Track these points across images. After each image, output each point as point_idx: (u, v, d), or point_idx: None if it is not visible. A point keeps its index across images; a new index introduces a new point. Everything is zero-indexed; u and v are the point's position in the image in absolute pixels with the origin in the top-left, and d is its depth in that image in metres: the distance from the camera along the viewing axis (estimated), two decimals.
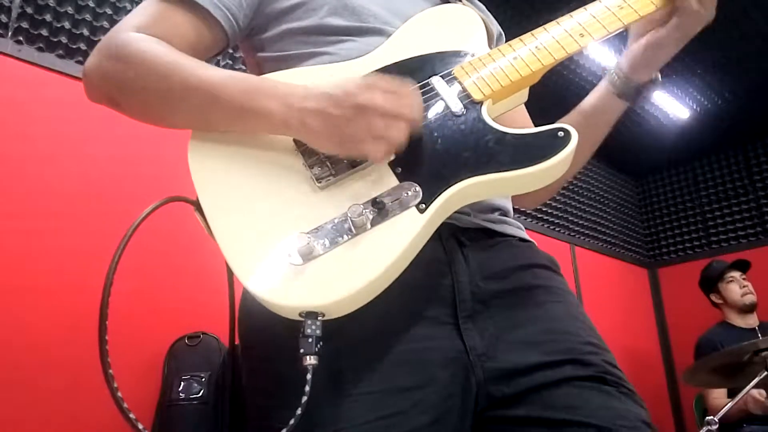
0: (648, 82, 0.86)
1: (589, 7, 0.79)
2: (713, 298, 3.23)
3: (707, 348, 2.90)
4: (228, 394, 1.82)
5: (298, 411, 0.57)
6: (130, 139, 2.02)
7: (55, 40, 2.00)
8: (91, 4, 2.09)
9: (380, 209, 0.63)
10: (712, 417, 1.87)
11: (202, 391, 1.83)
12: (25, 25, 1.93)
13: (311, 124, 0.64)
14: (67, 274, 1.77)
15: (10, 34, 1.90)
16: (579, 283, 3.85)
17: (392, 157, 0.68)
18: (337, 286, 0.60)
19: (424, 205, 0.64)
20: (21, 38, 1.92)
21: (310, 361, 0.58)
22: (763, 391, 2.45)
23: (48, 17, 1.98)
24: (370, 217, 0.63)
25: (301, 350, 0.58)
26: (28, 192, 1.81)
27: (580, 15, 0.78)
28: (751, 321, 3.11)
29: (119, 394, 0.55)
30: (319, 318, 0.59)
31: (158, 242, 1.98)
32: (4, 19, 1.90)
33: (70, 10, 2.04)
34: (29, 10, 1.94)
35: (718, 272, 3.19)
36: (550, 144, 0.67)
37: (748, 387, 2.01)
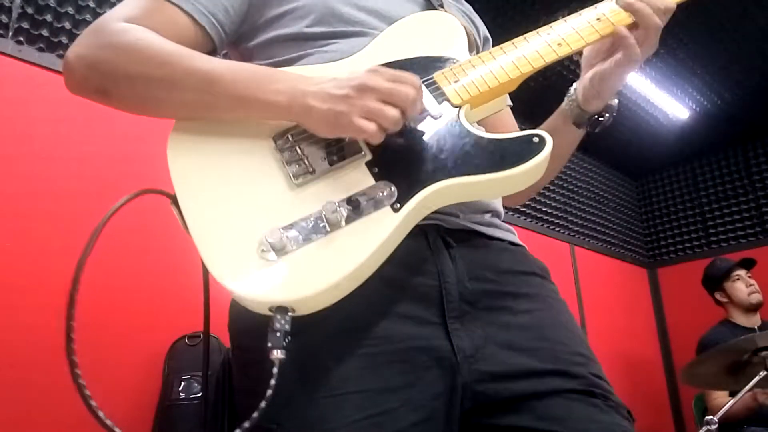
0: (601, 111, 0.87)
1: (569, 18, 0.81)
2: (718, 296, 3.19)
3: (710, 346, 2.88)
4: (228, 395, 1.82)
5: (262, 404, 0.57)
6: (130, 138, 2.03)
7: (56, 40, 2.00)
8: (92, 5, 2.10)
9: (355, 207, 0.64)
10: (711, 417, 1.87)
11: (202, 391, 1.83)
12: (25, 25, 1.93)
13: (312, 103, 0.66)
14: (66, 273, 1.77)
15: (10, 34, 1.91)
16: (578, 283, 3.85)
17: (368, 158, 0.69)
18: (307, 282, 0.61)
19: (398, 205, 0.66)
20: (22, 38, 1.93)
21: (278, 355, 0.59)
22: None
23: (49, 17, 1.99)
24: (345, 215, 0.64)
25: (269, 344, 0.59)
26: (27, 192, 1.81)
27: (559, 26, 0.80)
28: (755, 320, 3.09)
29: (87, 392, 0.55)
30: (288, 313, 0.60)
31: (158, 242, 1.98)
32: (4, 19, 1.90)
33: (70, 10, 2.04)
34: (30, 11, 1.95)
35: (724, 270, 3.15)
36: (526, 149, 0.69)
37: (747, 387, 2.01)
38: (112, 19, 0.74)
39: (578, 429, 0.68)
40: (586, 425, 0.68)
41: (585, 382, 0.72)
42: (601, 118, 0.87)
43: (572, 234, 4.06)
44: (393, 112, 0.65)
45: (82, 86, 0.74)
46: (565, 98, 0.89)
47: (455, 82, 0.76)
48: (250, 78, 0.69)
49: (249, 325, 0.68)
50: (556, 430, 0.67)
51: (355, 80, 0.65)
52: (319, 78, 0.68)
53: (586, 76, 0.85)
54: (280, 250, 0.62)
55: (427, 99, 0.74)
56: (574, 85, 0.88)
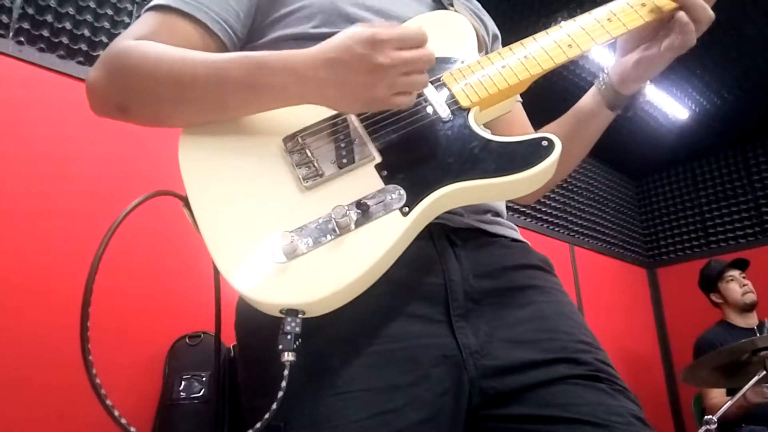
0: (635, 93, 0.88)
1: (579, 18, 0.80)
2: (713, 297, 3.21)
3: (707, 347, 2.89)
4: (229, 394, 1.82)
5: (274, 405, 0.58)
6: (131, 138, 2.03)
7: (56, 40, 2.00)
8: (92, 5, 2.10)
9: (364, 211, 0.65)
10: (710, 416, 1.87)
11: (202, 391, 1.84)
12: (26, 25, 1.94)
13: (332, 94, 0.67)
14: (67, 273, 1.77)
15: (11, 34, 1.91)
16: (578, 282, 3.86)
17: (377, 160, 0.69)
18: (317, 285, 0.61)
19: (407, 209, 0.66)
20: (22, 39, 1.93)
21: (288, 357, 0.59)
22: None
23: (49, 18, 1.99)
24: (354, 218, 0.65)
25: (280, 346, 0.59)
26: (28, 192, 1.81)
27: (569, 26, 0.79)
28: (751, 320, 3.10)
29: (102, 391, 0.56)
30: (299, 315, 0.60)
31: (160, 242, 1.98)
32: (5, 19, 1.90)
33: (71, 10, 2.04)
34: (30, 11, 1.95)
35: (717, 271, 3.17)
36: (534, 152, 0.68)
37: (746, 386, 2.02)
38: (124, 39, 0.76)
39: (585, 413, 0.67)
40: (593, 409, 0.68)
41: (590, 367, 0.72)
42: (635, 100, 0.88)
43: (572, 234, 4.07)
44: (421, 79, 0.67)
45: (104, 107, 0.76)
46: (595, 85, 0.90)
47: (464, 84, 0.75)
48: (254, 69, 0.68)
49: (256, 325, 0.68)
50: (563, 416, 0.67)
51: (368, 61, 0.64)
52: (321, 56, 0.66)
53: (628, 59, 0.85)
54: (290, 253, 0.62)
55: (436, 101, 0.74)
56: (605, 70, 0.89)
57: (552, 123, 0.94)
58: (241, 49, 0.90)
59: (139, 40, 0.75)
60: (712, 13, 0.78)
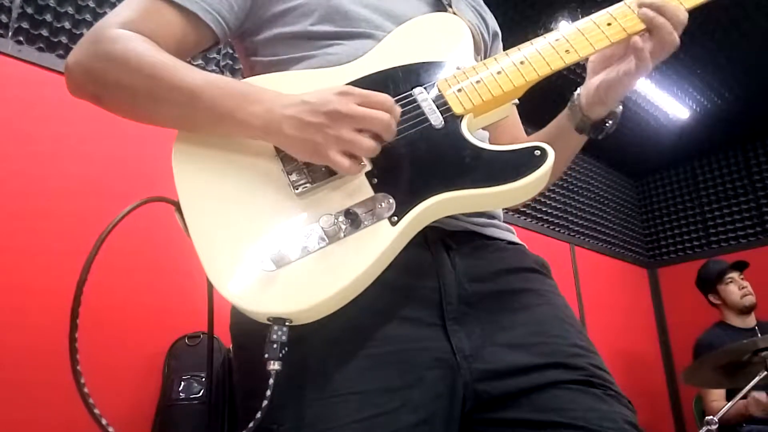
0: (604, 118, 0.85)
1: (578, 23, 0.77)
2: (711, 298, 3.20)
3: (706, 348, 2.90)
4: (228, 394, 1.82)
5: (258, 414, 0.58)
6: (131, 138, 2.03)
7: (56, 40, 2.00)
8: (92, 5, 2.10)
9: (353, 220, 0.64)
10: (711, 417, 1.88)
11: (202, 391, 1.83)
12: (25, 25, 1.93)
13: (287, 131, 0.66)
14: (67, 273, 1.77)
15: (10, 34, 1.91)
16: (579, 283, 3.85)
17: (367, 168, 0.68)
18: (304, 295, 0.61)
19: (396, 218, 0.65)
20: (21, 38, 1.93)
21: (274, 366, 0.59)
22: (763, 393, 2.45)
23: (48, 17, 1.99)
24: (343, 227, 0.64)
25: (266, 355, 0.59)
26: (27, 192, 1.81)
27: (567, 30, 0.77)
28: (750, 321, 3.10)
29: (86, 389, 0.56)
30: (286, 324, 0.60)
31: (160, 242, 1.98)
32: (4, 19, 1.90)
33: (70, 10, 2.04)
34: (30, 11, 1.95)
35: (716, 273, 3.15)
36: (526, 162, 0.67)
37: (747, 387, 2.02)
38: (109, 25, 0.75)
39: (578, 418, 0.67)
40: (586, 414, 0.68)
41: (584, 373, 0.72)
42: (605, 125, 0.85)
43: (572, 234, 4.06)
44: (368, 143, 0.65)
45: (80, 91, 0.76)
46: (569, 103, 0.87)
47: (458, 90, 0.74)
48: (228, 98, 0.69)
49: (250, 327, 0.68)
50: (556, 420, 0.67)
51: (328, 106, 0.64)
52: (295, 99, 0.67)
53: (592, 82, 0.82)
54: (278, 262, 0.62)
55: (429, 107, 0.73)
56: (578, 90, 0.86)
57: (531, 136, 0.94)
58: (236, 40, 0.89)
59: (125, 32, 0.74)
60: (676, 39, 0.76)
